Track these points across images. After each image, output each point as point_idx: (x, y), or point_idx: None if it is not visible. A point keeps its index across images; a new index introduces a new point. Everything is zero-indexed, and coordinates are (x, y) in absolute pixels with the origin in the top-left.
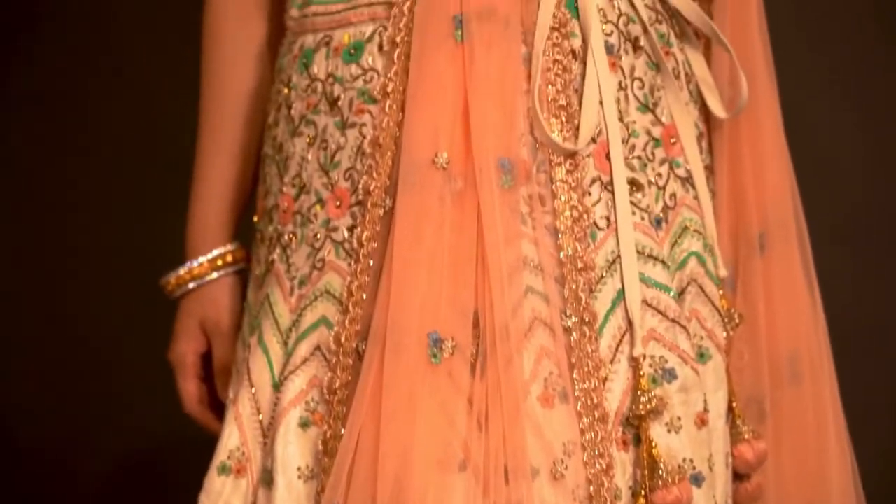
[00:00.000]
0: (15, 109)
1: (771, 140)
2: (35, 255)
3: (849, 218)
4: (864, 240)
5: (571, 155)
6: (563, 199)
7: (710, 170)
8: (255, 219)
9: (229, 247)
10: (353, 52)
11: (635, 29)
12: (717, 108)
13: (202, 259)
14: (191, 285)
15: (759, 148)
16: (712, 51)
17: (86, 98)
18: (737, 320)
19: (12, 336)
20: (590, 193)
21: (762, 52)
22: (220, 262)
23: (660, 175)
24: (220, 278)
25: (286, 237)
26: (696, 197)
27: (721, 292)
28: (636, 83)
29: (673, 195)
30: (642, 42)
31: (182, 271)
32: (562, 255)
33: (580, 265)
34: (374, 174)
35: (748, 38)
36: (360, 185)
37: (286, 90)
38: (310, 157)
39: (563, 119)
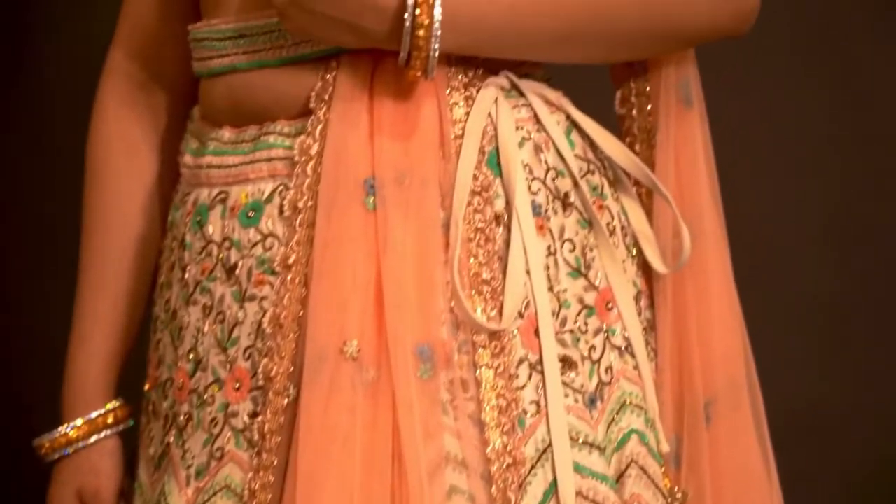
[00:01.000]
0: None
1: (719, 295)
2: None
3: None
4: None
5: (496, 334)
6: (487, 387)
7: (650, 326)
8: (147, 387)
9: (111, 406)
10: (251, 214)
11: (564, 184)
12: (656, 263)
13: (80, 421)
14: (67, 451)
15: (706, 304)
16: (654, 197)
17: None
18: (680, 500)
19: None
20: (517, 376)
21: (711, 198)
22: (100, 424)
23: (594, 348)
24: (99, 442)
25: (182, 418)
26: (636, 367)
27: (664, 469)
28: (566, 245)
29: (609, 368)
30: (572, 198)
31: (57, 434)
32: (489, 449)
33: (509, 461)
34: (276, 358)
35: (696, 183)
36: (261, 369)
37: (179, 250)
38: (206, 329)
39: (487, 295)
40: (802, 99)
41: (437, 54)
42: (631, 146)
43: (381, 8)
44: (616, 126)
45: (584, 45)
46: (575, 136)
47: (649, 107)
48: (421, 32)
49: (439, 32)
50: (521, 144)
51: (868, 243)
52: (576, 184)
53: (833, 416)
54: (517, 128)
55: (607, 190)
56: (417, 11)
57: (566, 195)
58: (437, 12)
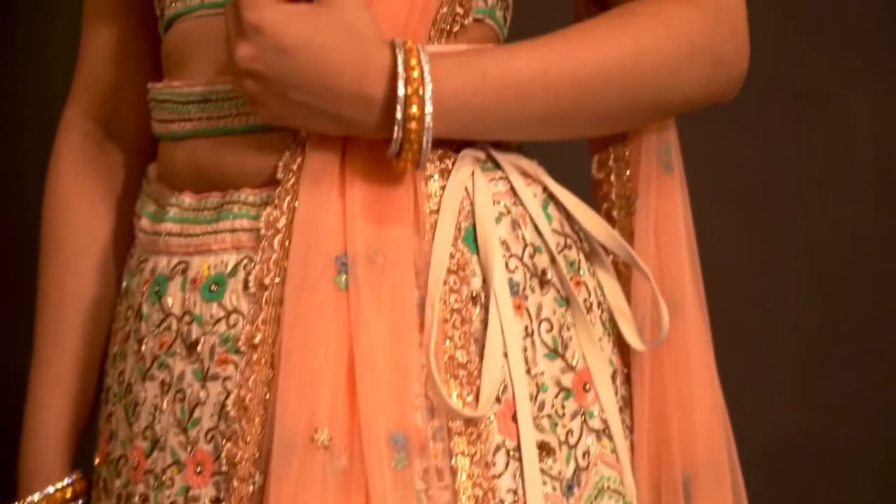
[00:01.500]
0: None
1: (699, 370)
2: None
3: None
4: None
5: (473, 420)
6: (463, 475)
7: (625, 403)
8: (97, 462)
9: (69, 480)
10: (213, 287)
11: (542, 260)
12: (633, 340)
13: (38, 496)
14: None
15: (686, 379)
16: (633, 272)
17: None
18: None
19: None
20: (494, 464)
21: (690, 268)
22: (58, 499)
23: (571, 432)
24: None
25: (137, 499)
26: (613, 451)
27: None
28: (544, 325)
29: (586, 453)
30: (549, 274)
31: None
32: None
33: None
34: (241, 442)
35: (676, 253)
36: (224, 453)
37: (136, 320)
38: (164, 406)
39: (463, 379)
40: (777, 138)
41: (429, 146)
42: (608, 212)
43: (369, 98)
44: (590, 192)
45: (571, 124)
46: (552, 209)
47: (628, 172)
48: (413, 125)
49: (431, 124)
50: (498, 220)
51: (846, 278)
52: (553, 260)
53: (820, 446)
54: (494, 202)
55: (584, 265)
56: (413, 108)
57: (543, 272)
58: (429, 104)
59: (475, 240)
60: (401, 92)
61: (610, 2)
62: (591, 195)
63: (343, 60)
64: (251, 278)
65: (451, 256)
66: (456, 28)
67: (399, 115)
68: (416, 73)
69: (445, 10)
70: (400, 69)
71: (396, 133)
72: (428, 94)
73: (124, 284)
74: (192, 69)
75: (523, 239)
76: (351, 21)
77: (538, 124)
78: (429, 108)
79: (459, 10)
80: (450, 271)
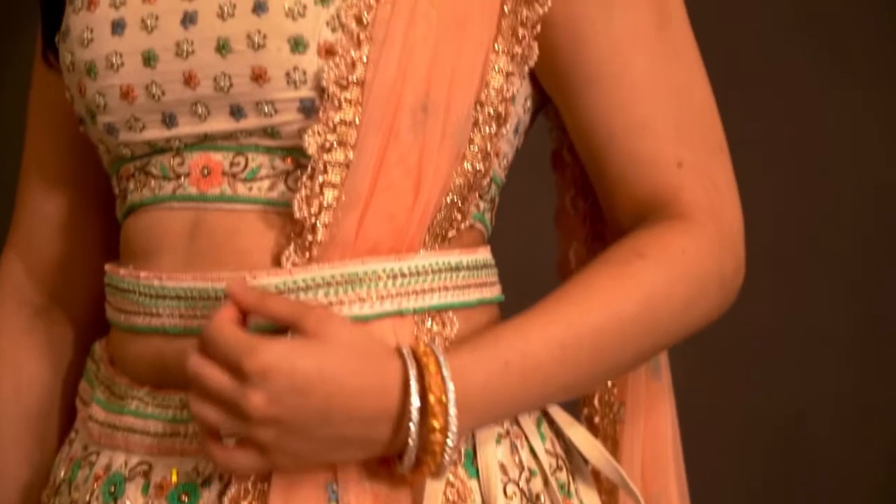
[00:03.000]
0: None
1: None
2: None
3: None
4: None
5: None
6: None
7: None
8: None
9: None
10: (184, 498)
11: (536, 484)
12: None
13: None
14: None
15: None
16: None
17: None
18: None
19: None
20: None
21: (675, 476)
22: None
23: None
24: None
25: None
26: None
27: None
28: None
29: None
30: (542, 499)
31: None
32: None
33: None
34: None
35: (663, 463)
36: None
37: None
38: None
39: None
40: None
41: (451, 455)
42: (589, 418)
43: (395, 413)
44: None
45: (589, 385)
46: (545, 427)
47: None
48: (436, 437)
49: (455, 430)
50: (498, 441)
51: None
52: (546, 482)
53: None
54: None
55: (573, 487)
56: (436, 421)
57: (537, 497)
58: (453, 412)
59: (474, 463)
60: (417, 403)
61: (608, 234)
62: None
63: (361, 383)
64: (227, 497)
65: (451, 485)
66: (451, 233)
67: (414, 429)
68: (436, 379)
69: (442, 215)
70: (413, 381)
71: (411, 446)
72: (451, 402)
73: (62, 474)
74: (161, 261)
75: (520, 463)
76: (349, 341)
77: (558, 395)
78: (453, 415)
79: (458, 215)
80: (448, 499)
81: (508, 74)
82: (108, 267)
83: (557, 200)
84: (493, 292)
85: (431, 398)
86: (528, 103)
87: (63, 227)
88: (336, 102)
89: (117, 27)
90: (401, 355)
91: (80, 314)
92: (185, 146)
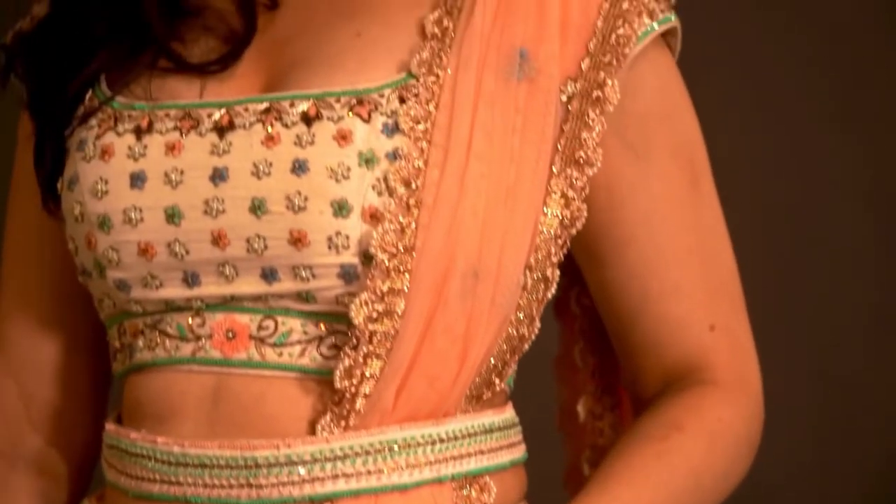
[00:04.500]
0: None
1: None
2: None
3: None
4: None
5: None
6: None
7: None
8: None
9: None
10: None
11: None
12: None
13: None
14: None
15: None
16: None
17: None
18: None
19: None
20: None
21: None
22: None
23: None
24: None
25: None
26: None
27: None
28: None
29: None
30: None
31: None
32: None
33: None
34: None
35: None
36: None
37: None
38: None
39: None
40: None
41: None
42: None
43: None
44: None
45: None
46: None
47: None
48: None
49: None
50: None
51: None
52: None
53: None
54: None
55: None
56: None
57: None
58: None
59: None
60: None
61: (642, 391)
62: None
63: None
64: None
65: None
66: (487, 395)
67: None
68: None
69: (480, 378)
70: None
71: None
72: None
73: None
74: (181, 427)
75: None
76: None
77: None
78: None
79: (496, 379)
80: None
81: (556, 237)
82: (112, 428)
83: (560, 348)
84: (522, 451)
85: None
86: None
87: (52, 374)
88: (384, 270)
89: (137, 180)
90: None
91: (82, 452)
92: (207, 306)
